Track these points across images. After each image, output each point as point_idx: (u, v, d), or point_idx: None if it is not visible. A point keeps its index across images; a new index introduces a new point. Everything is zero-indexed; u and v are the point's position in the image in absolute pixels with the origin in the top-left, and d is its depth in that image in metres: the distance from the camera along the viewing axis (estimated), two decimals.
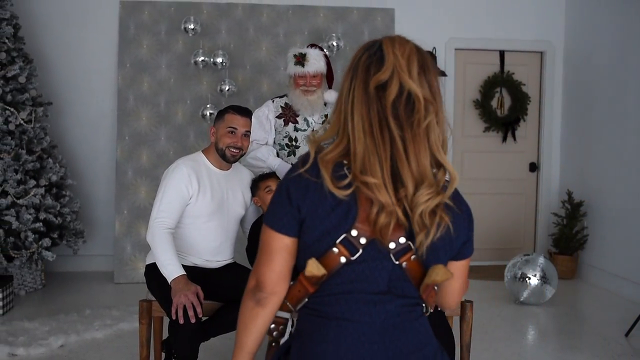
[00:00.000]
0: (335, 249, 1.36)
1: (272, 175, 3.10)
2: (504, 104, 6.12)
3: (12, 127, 4.59)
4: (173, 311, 2.60)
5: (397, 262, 1.38)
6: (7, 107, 4.59)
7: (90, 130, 5.52)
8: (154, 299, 2.95)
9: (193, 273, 2.76)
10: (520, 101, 6.08)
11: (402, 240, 1.37)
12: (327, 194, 1.34)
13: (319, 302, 1.42)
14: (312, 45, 3.53)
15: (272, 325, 1.50)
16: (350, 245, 1.36)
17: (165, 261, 2.69)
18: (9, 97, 4.61)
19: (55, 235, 4.77)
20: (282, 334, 1.50)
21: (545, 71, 6.12)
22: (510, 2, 5.99)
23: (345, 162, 1.37)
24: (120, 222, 5.31)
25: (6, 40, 4.69)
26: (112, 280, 5.28)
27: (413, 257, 1.38)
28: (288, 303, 1.45)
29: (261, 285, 1.43)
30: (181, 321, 2.58)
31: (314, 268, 1.37)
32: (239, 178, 3.06)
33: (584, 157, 5.73)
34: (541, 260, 4.73)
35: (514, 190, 6.21)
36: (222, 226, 2.96)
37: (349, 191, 1.33)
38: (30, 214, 4.55)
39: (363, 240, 1.35)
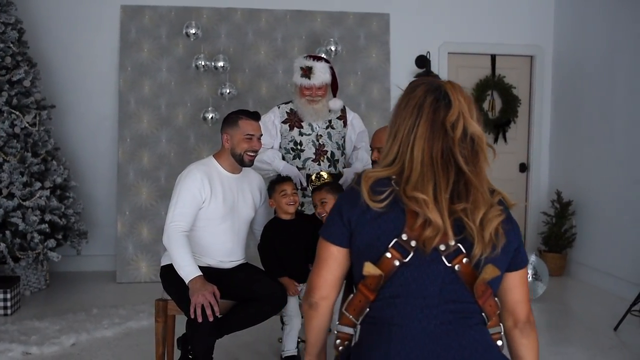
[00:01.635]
0: (388, 254, 1.47)
1: (287, 179, 3.23)
2: (495, 106, 6.30)
3: (17, 130, 4.68)
4: (192, 310, 2.72)
5: (449, 265, 1.47)
6: (13, 111, 4.68)
7: (92, 133, 5.61)
8: (169, 298, 3.07)
9: (207, 273, 2.88)
10: (510, 104, 6.26)
11: (452, 242, 1.46)
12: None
13: (376, 307, 1.50)
14: (318, 58, 3.64)
15: (338, 341, 1.59)
16: (401, 248, 1.47)
17: (182, 263, 2.82)
18: (14, 101, 4.69)
19: (60, 236, 4.87)
20: (347, 349, 1.58)
21: (535, 75, 6.30)
22: (502, 8, 6.16)
23: (393, 176, 1.51)
24: (122, 222, 5.41)
25: (11, 45, 4.78)
26: (114, 279, 5.38)
27: (465, 259, 1.47)
28: (351, 316, 1.54)
29: (312, 291, 1.59)
30: (200, 319, 2.71)
31: (370, 268, 1.47)
32: (249, 181, 3.19)
33: (572, 158, 5.92)
34: (533, 258, 4.91)
35: (504, 189, 6.27)
36: (234, 228, 3.08)
37: (383, 204, 1.47)
38: (36, 215, 4.65)
39: (413, 243, 1.46)
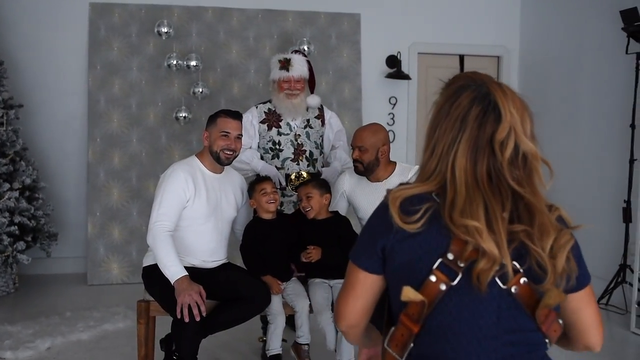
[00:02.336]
0: (432, 277, 1.25)
1: (267, 178, 3.23)
2: None
3: None
4: (178, 310, 2.71)
5: (504, 287, 1.25)
6: None
7: (61, 133, 5.50)
8: (150, 299, 3.04)
9: (191, 274, 2.85)
10: None
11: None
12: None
13: (423, 343, 1.28)
14: (296, 51, 3.64)
15: None
16: (448, 270, 1.24)
17: (167, 263, 2.80)
18: None
19: (29, 238, 4.77)
20: None
21: (502, 75, 6.45)
22: (470, 10, 6.28)
23: (433, 193, 1.31)
24: (92, 223, 5.32)
25: None
26: (85, 282, 5.29)
27: (523, 280, 1.25)
28: (394, 353, 1.31)
29: (339, 319, 1.41)
30: (186, 320, 2.70)
31: (410, 292, 1.25)
32: (231, 181, 3.18)
33: None
34: None
35: None
36: (217, 228, 3.07)
37: (420, 224, 1.26)
38: (4, 217, 4.54)
39: (462, 264, 1.24)
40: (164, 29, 5.27)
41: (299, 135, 3.63)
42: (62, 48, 5.47)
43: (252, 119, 3.64)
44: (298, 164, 3.61)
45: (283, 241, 3.15)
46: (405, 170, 3.24)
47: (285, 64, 3.53)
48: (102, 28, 5.48)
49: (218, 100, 5.62)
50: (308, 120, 3.66)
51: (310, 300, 3.08)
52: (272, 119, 3.62)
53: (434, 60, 6.33)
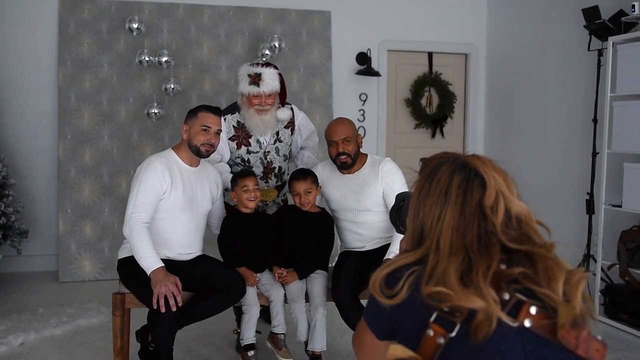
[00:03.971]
0: (430, 331, 1.17)
1: (250, 173, 3.22)
2: (433, 102, 6.54)
3: None
4: (154, 300, 2.74)
5: (514, 325, 1.14)
6: None
7: (31, 129, 5.45)
8: (126, 291, 3.07)
9: (166, 266, 2.88)
10: (447, 100, 6.51)
11: (507, 296, 1.17)
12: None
13: None
14: (266, 64, 3.42)
15: None
16: (445, 322, 1.16)
17: (144, 254, 2.83)
18: None
19: (0, 236, 4.72)
20: None
21: (470, 72, 6.58)
22: (438, 8, 6.40)
23: (411, 263, 1.27)
24: (64, 221, 5.29)
25: None
26: (56, 279, 5.25)
27: (534, 309, 1.15)
28: None
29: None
30: (163, 310, 2.73)
31: (397, 350, 1.18)
32: (206, 174, 3.21)
33: (505, 152, 6.21)
34: None
35: None
36: (192, 220, 3.10)
37: (402, 294, 1.22)
38: None
39: (458, 314, 1.15)
40: (135, 25, 5.26)
41: (269, 152, 3.51)
42: (31, 44, 5.42)
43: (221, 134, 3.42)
44: (267, 183, 3.54)
45: (259, 234, 3.19)
46: (376, 162, 3.29)
47: (256, 79, 3.34)
48: (72, 24, 5.45)
49: (189, 96, 5.64)
50: (277, 133, 3.51)
51: (284, 290, 3.14)
52: (241, 136, 3.47)
53: (403, 58, 6.43)
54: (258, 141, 3.47)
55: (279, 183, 3.60)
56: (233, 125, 3.46)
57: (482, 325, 1.12)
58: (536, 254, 1.21)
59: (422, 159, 1.37)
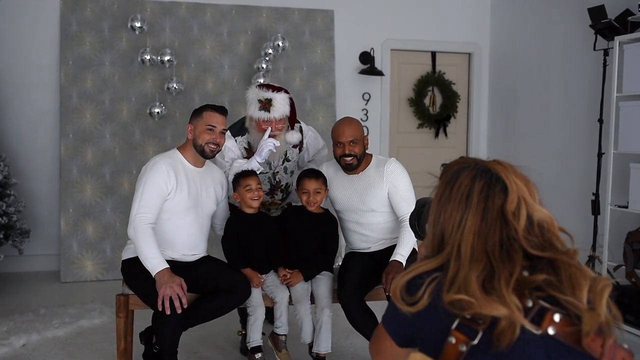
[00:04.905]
0: (452, 339, 1.15)
1: (253, 173, 3.18)
2: (436, 102, 6.50)
3: None
4: (159, 302, 2.71)
5: (538, 333, 1.13)
6: None
7: (32, 128, 5.42)
8: (130, 292, 3.04)
9: (171, 267, 2.86)
10: (450, 99, 6.48)
11: (530, 303, 1.15)
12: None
13: None
14: (277, 89, 3.32)
15: None
16: (467, 329, 1.14)
17: (149, 255, 2.80)
18: None
19: (1, 236, 4.69)
20: None
21: (473, 71, 6.55)
22: (441, 7, 6.37)
23: (433, 270, 1.25)
24: (65, 220, 5.26)
25: None
26: (58, 279, 5.22)
27: (557, 316, 1.14)
28: None
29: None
30: (168, 312, 2.70)
31: (416, 359, 1.18)
32: (211, 175, 3.18)
33: (509, 151, 6.18)
34: None
35: None
36: (197, 221, 3.07)
37: (423, 302, 1.20)
38: None
39: (481, 321, 1.13)
40: (137, 24, 5.23)
41: (277, 172, 3.46)
42: (33, 42, 5.39)
43: (234, 149, 3.40)
44: (272, 197, 3.51)
45: (263, 234, 3.17)
46: (381, 162, 3.26)
47: (267, 105, 3.24)
48: (74, 23, 5.42)
49: (192, 95, 5.61)
50: (285, 153, 3.44)
51: (289, 292, 3.12)
52: (250, 157, 3.34)
53: (407, 57, 6.40)
54: (268, 162, 3.40)
55: (284, 196, 3.57)
56: (244, 147, 3.39)
57: (505, 333, 1.10)
58: (559, 261, 1.19)
59: (443, 165, 1.36)
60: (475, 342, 1.13)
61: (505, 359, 1.12)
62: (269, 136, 3.25)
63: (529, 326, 1.12)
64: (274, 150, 3.28)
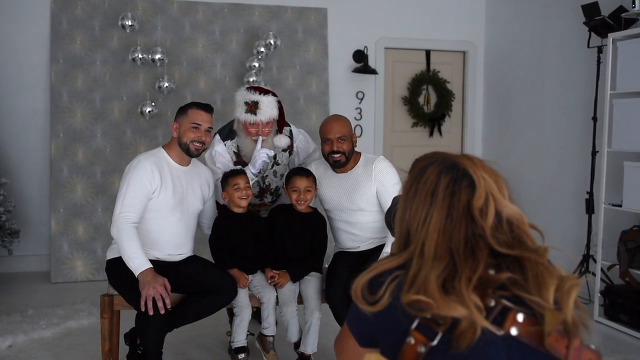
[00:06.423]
0: (410, 339, 1.11)
1: (241, 172, 3.13)
2: (430, 100, 6.46)
3: None
4: (142, 303, 2.67)
5: (500, 333, 1.08)
6: None
7: (23, 128, 5.37)
8: (114, 293, 2.99)
9: (156, 267, 2.82)
10: (445, 98, 6.43)
11: (492, 303, 1.10)
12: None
13: None
14: (264, 91, 3.28)
15: None
16: (427, 329, 1.10)
17: (132, 255, 2.76)
18: None
19: None
20: None
21: (468, 70, 6.51)
22: (436, 5, 6.32)
23: (396, 271, 1.20)
24: (56, 220, 5.21)
25: None
26: (48, 280, 5.18)
27: (520, 316, 1.09)
28: None
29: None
30: (151, 312, 2.66)
31: (371, 358, 1.17)
32: (197, 174, 3.14)
33: (503, 150, 6.15)
34: None
35: None
36: (182, 220, 3.03)
37: (384, 300, 1.16)
38: None
39: (442, 321, 1.09)
40: (128, 22, 5.19)
41: (267, 176, 3.43)
42: (23, 41, 5.34)
43: (224, 154, 3.37)
44: (261, 200, 3.48)
45: (251, 234, 3.12)
46: (369, 161, 3.22)
47: (253, 108, 3.20)
48: (65, 21, 5.37)
49: (184, 94, 5.57)
50: (275, 157, 3.40)
51: (277, 292, 3.07)
52: (240, 162, 3.35)
53: (401, 56, 6.36)
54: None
55: (274, 198, 3.53)
56: (234, 152, 3.37)
57: (466, 334, 1.06)
58: (526, 259, 1.14)
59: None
60: (434, 343, 1.09)
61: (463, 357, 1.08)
62: (255, 140, 3.21)
63: (490, 327, 1.07)
64: (268, 161, 3.26)
